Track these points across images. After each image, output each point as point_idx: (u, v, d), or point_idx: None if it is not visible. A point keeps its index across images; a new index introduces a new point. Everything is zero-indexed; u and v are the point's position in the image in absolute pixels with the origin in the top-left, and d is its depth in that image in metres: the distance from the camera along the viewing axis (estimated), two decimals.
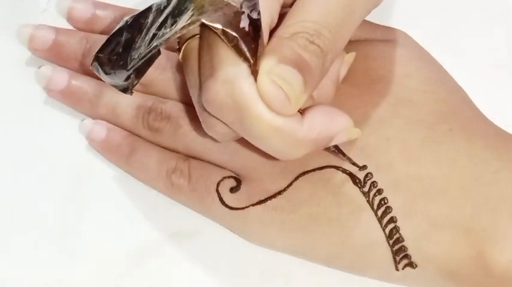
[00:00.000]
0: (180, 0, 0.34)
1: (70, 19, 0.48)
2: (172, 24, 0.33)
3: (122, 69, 0.35)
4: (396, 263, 0.40)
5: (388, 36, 0.45)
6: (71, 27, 0.48)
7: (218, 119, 0.37)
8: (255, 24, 0.34)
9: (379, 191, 0.40)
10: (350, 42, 0.44)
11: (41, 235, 0.44)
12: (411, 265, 0.40)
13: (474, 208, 0.39)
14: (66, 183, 0.45)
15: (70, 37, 0.47)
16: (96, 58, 0.36)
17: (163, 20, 0.34)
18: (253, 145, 0.38)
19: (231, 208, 0.42)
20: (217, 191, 0.42)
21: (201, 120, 0.39)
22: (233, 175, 0.43)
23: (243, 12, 0.34)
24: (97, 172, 0.46)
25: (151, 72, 0.41)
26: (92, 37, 0.46)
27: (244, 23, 0.34)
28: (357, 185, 0.41)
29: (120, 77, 0.36)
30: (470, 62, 0.47)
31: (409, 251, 0.40)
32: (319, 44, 0.35)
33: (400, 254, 0.40)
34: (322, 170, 0.41)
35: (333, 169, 0.41)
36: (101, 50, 0.36)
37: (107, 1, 0.48)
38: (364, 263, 0.41)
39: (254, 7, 0.34)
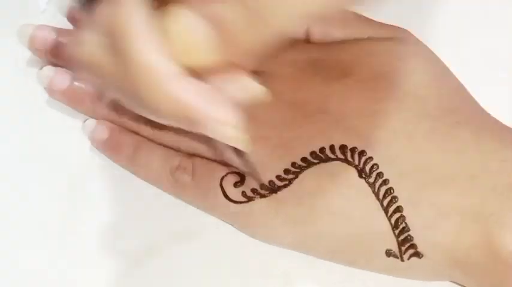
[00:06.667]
0: None
1: (70, 19, 0.48)
2: None
3: None
4: (402, 253, 0.40)
5: (391, 34, 0.45)
6: (71, 27, 0.48)
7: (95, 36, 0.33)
8: None
9: (385, 182, 0.40)
10: (354, 40, 0.45)
11: (41, 235, 0.44)
12: (417, 254, 0.40)
13: (482, 195, 0.39)
14: (67, 183, 0.45)
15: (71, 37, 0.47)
16: None
17: None
18: (257, 141, 0.39)
19: (235, 202, 0.42)
20: (220, 185, 0.42)
21: None
22: (237, 170, 0.43)
23: None
24: (98, 172, 0.46)
25: None
26: None
27: None
28: (362, 177, 0.41)
29: None
30: (470, 62, 0.47)
31: (416, 241, 0.40)
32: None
33: (406, 244, 0.40)
34: (327, 163, 0.41)
35: (338, 162, 0.41)
36: None
37: None
38: (369, 255, 0.41)
39: None
